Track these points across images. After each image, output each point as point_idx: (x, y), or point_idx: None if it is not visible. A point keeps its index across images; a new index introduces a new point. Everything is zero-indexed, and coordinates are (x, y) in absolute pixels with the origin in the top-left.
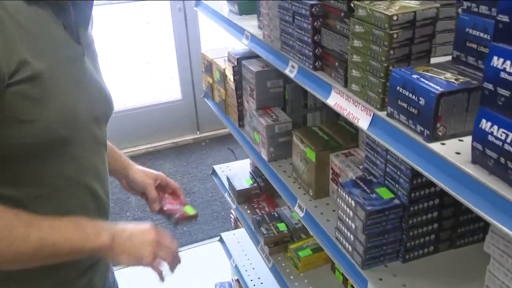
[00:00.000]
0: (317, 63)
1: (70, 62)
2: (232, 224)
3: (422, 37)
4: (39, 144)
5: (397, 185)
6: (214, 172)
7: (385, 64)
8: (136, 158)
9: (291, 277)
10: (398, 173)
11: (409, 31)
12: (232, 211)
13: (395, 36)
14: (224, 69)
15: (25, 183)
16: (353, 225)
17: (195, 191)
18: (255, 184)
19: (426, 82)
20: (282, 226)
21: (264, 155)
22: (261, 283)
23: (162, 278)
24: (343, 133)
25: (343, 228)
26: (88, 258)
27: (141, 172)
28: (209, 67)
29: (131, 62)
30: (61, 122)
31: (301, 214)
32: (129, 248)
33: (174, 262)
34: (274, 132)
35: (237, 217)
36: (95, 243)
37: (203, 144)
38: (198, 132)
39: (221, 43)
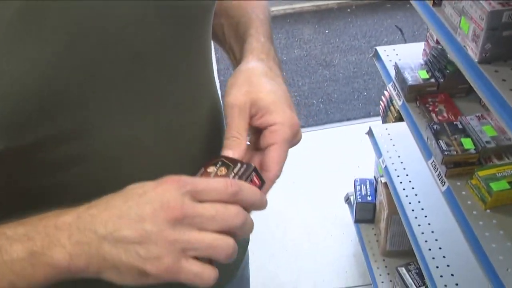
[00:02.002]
0: None
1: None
2: (381, 112)
3: None
4: None
5: None
6: (376, 55)
7: None
8: (273, 20)
9: (474, 212)
10: None
11: None
12: (383, 97)
13: None
14: None
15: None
16: None
17: (335, 64)
18: (432, 80)
19: None
20: (467, 143)
21: (472, 53)
22: (419, 201)
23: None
24: None
25: None
26: None
27: (247, 76)
28: None
29: None
30: None
31: None
32: (116, 258)
33: (232, 247)
34: (499, 22)
35: (386, 107)
36: (36, 275)
37: (349, 10)
38: None
39: None
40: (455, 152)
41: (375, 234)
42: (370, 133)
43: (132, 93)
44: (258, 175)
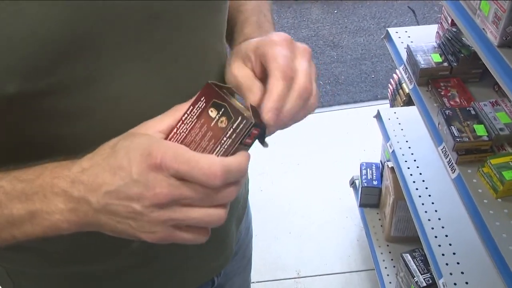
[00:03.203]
0: None
1: None
2: (389, 95)
3: None
4: None
5: None
6: (388, 36)
7: None
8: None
9: (485, 200)
10: None
11: None
12: (392, 81)
13: None
14: None
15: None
16: None
17: (343, 45)
18: (445, 63)
19: None
20: (480, 130)
21: (491, 36)
22: (426, 187)
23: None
24: None
25: None
26: None
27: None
28: None
29: None
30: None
31: None
32: (112, 226)
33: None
34: None
35: (395, 90)
36: (35, 231)
37: None
38: None
39: None
40: (467, 139)
41: (379, 219)
42: (378, 116)
43: (145, 49)
44: (256, 126)
